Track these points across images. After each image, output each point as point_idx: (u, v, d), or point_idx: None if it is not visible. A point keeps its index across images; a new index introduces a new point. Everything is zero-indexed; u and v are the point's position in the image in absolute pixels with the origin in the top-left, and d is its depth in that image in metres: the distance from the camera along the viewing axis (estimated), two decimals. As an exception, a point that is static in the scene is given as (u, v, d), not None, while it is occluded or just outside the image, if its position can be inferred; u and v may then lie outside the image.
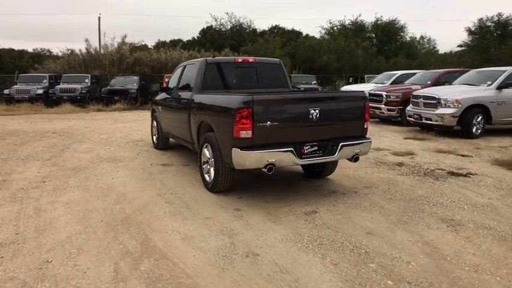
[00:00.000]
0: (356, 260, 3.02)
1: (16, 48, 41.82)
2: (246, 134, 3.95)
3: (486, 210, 4.16)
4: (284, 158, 4.08)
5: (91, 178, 5.52)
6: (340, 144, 4.38)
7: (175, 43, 37.02)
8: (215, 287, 2.67)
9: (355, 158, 4.57)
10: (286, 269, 2.89)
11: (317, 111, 4.20)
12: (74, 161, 6.66)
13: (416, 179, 5.47)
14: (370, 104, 5.02)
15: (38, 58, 31.14)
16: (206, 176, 4.87)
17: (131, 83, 20.12)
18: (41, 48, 43.98)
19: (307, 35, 39.52)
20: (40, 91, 18.60)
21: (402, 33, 33.55)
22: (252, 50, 26.43)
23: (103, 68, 23.77)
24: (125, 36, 25.07)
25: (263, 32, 37.77)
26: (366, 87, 13.85)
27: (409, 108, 10.38)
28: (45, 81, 19.60)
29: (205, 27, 38.87)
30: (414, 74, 14.29)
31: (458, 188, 5.02)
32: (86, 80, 20.16)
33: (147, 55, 24.85)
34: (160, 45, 34.18)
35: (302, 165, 5.28)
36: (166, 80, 19.83)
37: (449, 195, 4.68)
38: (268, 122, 4.00)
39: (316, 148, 4.33)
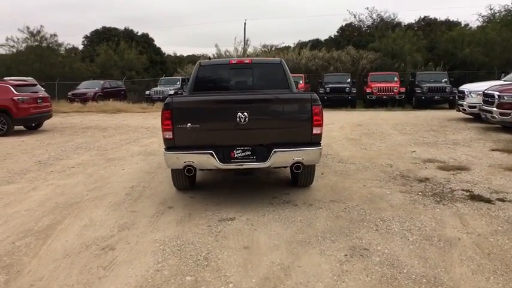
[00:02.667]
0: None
1: (178, 54, 49.72)
2: (168, 135, 4.16)
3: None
4: (203, 160, 4.11)
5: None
6: (273, 150, 4.11)
7: (314, 43, 37.66)
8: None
9: (295, 167, 4.19)
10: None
11: (246, 114, 4.06)
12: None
13: (412, 199, 4.56)
14: (483, 107, 4.44)
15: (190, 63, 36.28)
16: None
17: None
18: (197, 54, 51.08)
19: (466, 25, 34.11)
20: (172, 92, 21.94)
21: None
22: (380, 47, 24.73)
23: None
24: (248, 40, 26.91)
25: (409, 26, 34.54)
26: (489, 85, 11.47)
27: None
28: (178, 83, 22.93)
29: (343, 24, 38.11)
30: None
31: (450, 215, 3.99)
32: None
33: (268, 56, 26.17)
34: (301, 45, 35.25)
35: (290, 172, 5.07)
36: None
37: (417, 224, 3.80)
38: (189, 124, 4.11)
39: (249, 153, 4.18)
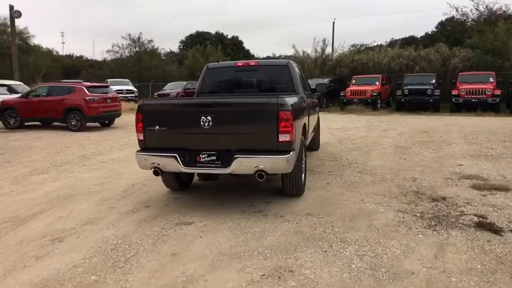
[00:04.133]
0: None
1: (265, 56, 50.64)
2: (140, 136, 4.33)
3: None
4: (167, 163, 4.17)
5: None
6: (234, 156, 3.98)
7: (407, 41, 35.07)
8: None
9: (258, 175, 3.98)
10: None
11: (209, 118, 4.02)
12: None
13: (402, 221, 3.99)
14: None
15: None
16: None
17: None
18: (279, 55, 51.35)
19: None
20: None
21: None
22: (478, 43, 21.91)
23: (308, 70, 25.86)
24: (326, 40, 26.15)
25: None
26: None
27: None
28: None
29: (443, 19, 34.62)
30: None
31: (430, 244, 3.39)
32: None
33: (348, 57, 25.17)
34: (393, 44, 33.24)
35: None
36: (354, 81, 19.76)
37: (377, 251, 3.32)
38: (157, 127, 4.21)
39: (214, 158, 4.12)
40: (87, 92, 11.65)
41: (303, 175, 4.87)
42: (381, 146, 8.48)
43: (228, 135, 4.06)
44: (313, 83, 20.90)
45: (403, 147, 8.29)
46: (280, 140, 3.93)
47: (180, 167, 4.12)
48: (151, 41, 34.37)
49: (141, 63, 32.62)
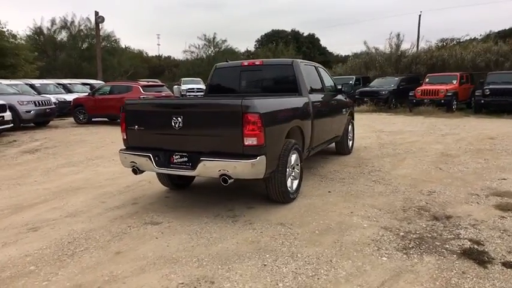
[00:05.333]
0: None
1: (344, 54, 49.06)
2: (123, 135, 4.54)
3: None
4: (143, 162, 4.29)
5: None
6: (200, 159, 3.95)
7: (506, 33, 31.29)
8: None
9: (223, 179, 3.89)
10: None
11: (180, 119, 4.05)
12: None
13: (377, 239, 3.59)
14: None
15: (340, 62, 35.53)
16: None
17: (389, 84, 19.88)
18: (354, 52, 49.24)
19: None
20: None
21: None
22: None
23: (380, 68, 24.49)
24: (399, 35, 24.37)
25: None
26: None
27: None
28: (351, 82, 21.81)
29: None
30: None
31: (387, 270, 3.00)
32: (351, 82, 21.76)
33: (427, 53, 23.23)
34: (489, 37, 30.07)
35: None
36: (427, 79, 18.21)
37: (321, 271, 3.04)
38: (136, 126, 4.36)
39: (185, 159, 4.14)
40: (142, 91, 12.51)
41: (292, 181, 4.65)
42: (425, 153, 7.68)
43: (197, 137, 4.05)
44: (382, 82, 19.86)
45: (449, 156, 7.41)
46: (245, 143, 3.80)
47: (153, 167, 4.22)
48: (225, 41, 35.61)
49: (214, 63, 34.03)
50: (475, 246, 3.34)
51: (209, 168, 3.92)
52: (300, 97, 5.22)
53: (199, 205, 4.65)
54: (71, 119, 14.95)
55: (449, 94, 16.69)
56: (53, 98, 15.48)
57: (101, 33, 28.17)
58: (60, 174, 6.43)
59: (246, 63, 5.77)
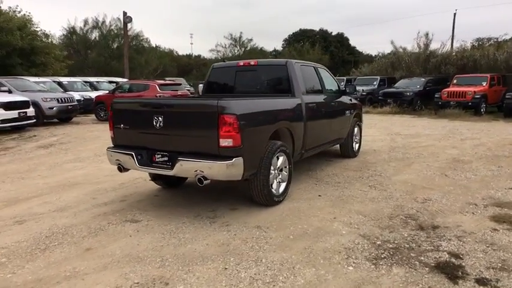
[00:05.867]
0: None
1: (374, 54, 47.92)
2: (111, 134, 4.62)
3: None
4: (126, 160, 4.35)
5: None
6: (178, 158, 3.96)
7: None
8: None
9: (198, 180, 3.87)
10: None
11: (160, 119, 4.08)
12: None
13: (347, 246, 3.47)
14: None
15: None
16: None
17: (415, 85, 19.25)
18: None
19: None
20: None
21: None
22: None
23: (407, 69, 23.77)
24: (427, 34, 23.48)
25: None
26: None
27: None
28: (375, 83, 21.27)
29: None
30: None
31: (349, 281, 2.89)
32: (374, 83, 21.28)
33: (457, 53, 22.29)
34: None
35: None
36: (455, 81, 17.49)
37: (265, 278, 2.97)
38: (122, 125, 4.44)
39: (166, 159, 4.16)
40: (159, 90, 12.74)
41: (278, 184, 4.59)
42: (435, 158, 7.37)
43: (177, 137, 4.06)
44: (408, 83, 19.23)
45: (461, 161, 7.07)
46: (221, 145, 3.77)
47: (136, 166, 4.27)
48: (251, 40, 35.68)
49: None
50: (452, 260, 3.16)
51: (185, 168, 3.92)
52: (292, 98, 5.13)
53: (184, 204, 4.67)
54: (94, 116, 15.45)
55: (477, 97, 15.94)
56: (78, 95, 16.10)
57: (129, 33, 29.00)
58: (64, 170, 6.65)
59: (241, 64, 5.74)
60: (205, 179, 3.84)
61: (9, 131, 11.32)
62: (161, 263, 3.17)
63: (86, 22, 32.47)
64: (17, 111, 10.96)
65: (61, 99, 13.10)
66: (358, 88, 20.56)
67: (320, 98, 5.87)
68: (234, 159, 3.79)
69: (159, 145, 4.19)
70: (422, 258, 3.21)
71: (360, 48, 48.54)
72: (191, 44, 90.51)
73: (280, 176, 4.68)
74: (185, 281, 2.88)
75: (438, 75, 21.07)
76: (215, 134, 3.76)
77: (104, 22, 32.77)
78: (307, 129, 5.28)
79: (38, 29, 21.78)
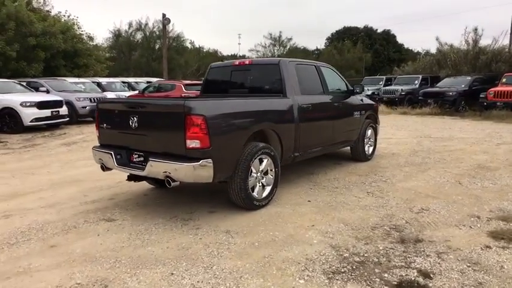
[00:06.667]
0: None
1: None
2: (97, 133, 4.73)
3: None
4: (106, 159, 4.41)
5: None
6: (149, 159, 3.95)
7: None
8: None
9: (167, 181, 3.83)
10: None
11: (135, 119, 4.10)
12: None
13: (313, 259, 3.27)
14: None
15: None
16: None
17: (459, 84, 18.05)
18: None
19: None
20: (369, 92, 20.99)
21: None
22: None
23: (454, 67, 22.39)
24: (476, 30, 21.86)
25: None
26: None
27: None
28: (416, 82, 19.95)
29: None
30: None
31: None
32: (415, 82, 20.24)
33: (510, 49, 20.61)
34: None
35: None
36: (504, 80, 16.20)
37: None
38: (105, 125, 4.52)
39: (142, 159, 4.18)
40: (184, 89, 12.98)
41: (262, 188, 4.47)
42: (457, 164, 6.82)
43: (150, 137, 4.06)
44: (451, 82, 18.05)
45: (485, 168, 6.48)
46: (188, 146, 3.71)
47: (114, 165, 4.33)
48: (291, 39, 35.38)
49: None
50: (419, 280, 2.86)
51: (155, 169, 3.91)
52: (283, 99, 4.95)
53: (168, 205, 4.66)
54: (126, 115, 16.04)
55: (528, 97, 14.60)
56: (113, 95, 16.80)
57: (170, 34, 29.90)
58: (73, 167, 6.93)
59: (236, 63, 5.64)
60: (174, 180, 3.79)
61: (43, 128, 12.06)
62: (112, 265, 3.16)
63: (130, 25, 34.01)
64: (50, 110, 11.63)
65: (93, 98, 13.73)
66: (397, 87, 19.83)
67: (319, 98, 5.62)
68: (201, 161, 3.71)
69: (136, 145, 4.21)
70: (386, 275, 2.93)
71: (409, 45, 46.50)
72: (239, 44, 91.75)
73: (264, 180, 4.53)
74: (125, 285, 2.84)
75: (488, 73, 19.59)
76: (182, 135, 3.70)
77: (146, 24, 34.13)
78: (300, 131, 5.08)
79: (83, 32, 23.10)
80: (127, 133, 4.23)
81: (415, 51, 46.38)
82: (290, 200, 4.84)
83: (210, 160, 3.76)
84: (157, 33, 33.65)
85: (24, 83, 13.54)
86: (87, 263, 3.19)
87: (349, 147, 6.97)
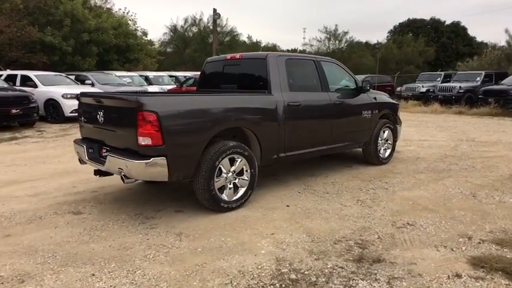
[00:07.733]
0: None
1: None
2: (79, 126, 4.83)
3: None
4: (81, 153, 4.47)
5: None
6: (108, 154, 3.93)
7: None
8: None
9: (121, 177, 3.78)
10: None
11: (101, 113, 4.11)
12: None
13: (248, 272, 3.03)
14: None
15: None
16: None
17: (530, 81, 16.14)
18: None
19: None
20: (423, 89, 19.66)
21: None
22: None
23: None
24: None
25: None
26: None
27: None
28: (478, 78, 18.33)
29: None
30: None
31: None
32: (477, 78, 18.49)
33: None
34: None
35: None
36: None
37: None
38: (82, 118, 4.60)
39: (108, 154, 4.19)
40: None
41: (234, 189, 4.29)
42: (486, 173, 6.04)
43: (112, 132, 4.04)
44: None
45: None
46: (140, 143, 3.62)
47: (85, 159, 4.38)
48: (347, 32, 34.12)
49: (333, 56, 33.08)
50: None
51: (111, 165, 3.88)
52: (266, 95, 4.68)
53: (141, 201, 4.64)
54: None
55: None
56: (157, 88, 17.41)
57: (223, 29, 30.29)
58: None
59: (228, 57, 5.44)
60: (126, 177, 3.74)
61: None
62: (45, 260, 3.17)
63: (185, 20, 35.04)
64: (88, 102, 12.29)
65: (132, 92, 14.30)
66: (454, 85, 18.23)
67: (314, 96, 5.24)
68: (152, 159, 3.60)
69: (106, 140, 4.22)
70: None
71: (484, 39, 42.58)
72: (303, 38, 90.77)
73: (237, 181, 4.32)
74: (42, 282, 2.83)
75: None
76: (134, 131, 3.62)
77: (201, 19, 34.92)
78: (286, 130, 4.77)
79: (138, 28, 24.24)
80: (97, 127, 4.26)
81: (490, 44, 42.43)
82: (268, 203, 4.58)
83: (163, 158, 3.64)
84: (211, 28, 34.29)
85: (73, 77, 14.49)
86: (24, 256, 3.23)
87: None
